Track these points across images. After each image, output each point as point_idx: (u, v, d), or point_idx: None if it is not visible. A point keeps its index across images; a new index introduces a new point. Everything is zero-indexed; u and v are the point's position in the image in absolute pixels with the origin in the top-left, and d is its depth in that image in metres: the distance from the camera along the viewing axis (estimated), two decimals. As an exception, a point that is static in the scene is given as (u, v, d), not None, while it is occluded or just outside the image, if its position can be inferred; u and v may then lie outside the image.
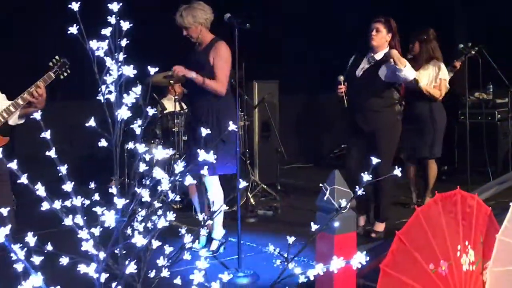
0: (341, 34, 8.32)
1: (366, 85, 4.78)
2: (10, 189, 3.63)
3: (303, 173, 8.45)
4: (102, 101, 1.75)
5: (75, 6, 1.72)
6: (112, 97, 1.77)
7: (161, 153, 1.89)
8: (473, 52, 5.82)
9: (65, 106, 6.86)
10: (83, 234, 1.69)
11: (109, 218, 1.59)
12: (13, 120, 3.72)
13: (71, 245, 1.83)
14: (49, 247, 1.67)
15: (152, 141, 6.26)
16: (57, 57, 3.73)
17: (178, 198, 1.82)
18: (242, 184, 2.11)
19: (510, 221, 2.57)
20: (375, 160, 1.83)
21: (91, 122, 1.75)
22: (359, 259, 1.58)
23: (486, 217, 2.73)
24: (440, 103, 5.89)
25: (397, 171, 1.95)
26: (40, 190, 1.68)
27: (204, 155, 1.83)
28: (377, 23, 4.80)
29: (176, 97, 6.16)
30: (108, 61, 1.73)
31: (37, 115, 1.77)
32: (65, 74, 3.77)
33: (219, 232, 4.61)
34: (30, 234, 1.67)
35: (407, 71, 4.64)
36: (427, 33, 5.65)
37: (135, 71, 1.69)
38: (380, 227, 5.00)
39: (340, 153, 8.93)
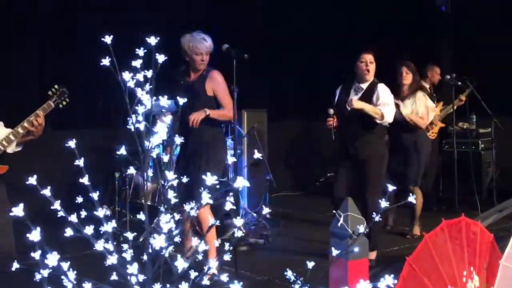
0: (329, 63, 8.48)
1: (356, 116, 4.87)
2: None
3: (291, 201, 8.52)
4: (133, 130, 1.80)
5: (108, 39, 1.78)
6: (142, 127, 1.82)
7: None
8: (459, 83, 5.99)
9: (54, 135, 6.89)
10: (113, 259, 1.73)
11: (159, 242, 1.63)
12: (11, 148, 3.73)
13: (97, 270, 1.86)
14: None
15: (139, 165, 6.28)
16: (56, 86, 3.77)
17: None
18: (239, 221, 2.09)
19: (513, 247, 2.67)
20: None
21: (122, 151, 1.80)
22: (388, 282, 1.64)
23: (489, 244, 2.82)
24: (425, 133, 6.05)
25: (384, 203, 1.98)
26: (72, 217, 1.72)
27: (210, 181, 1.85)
28: (370, 54, 4.93)
29: (168, 125, 6.20)
30: (139, 92, 1.79)
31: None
32: (64, 103, 3.80)
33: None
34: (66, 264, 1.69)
35: (388, 117, 4.79)
36: (414, 64, 5.84)
37: (169, 102, 1.76)
38: (372, 255, 5.05)
39: (327, 181, 9.03)
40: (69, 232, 1.85)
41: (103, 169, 6.63)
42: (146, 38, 1.70)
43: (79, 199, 2.13)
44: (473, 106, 7.20)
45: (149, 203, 6.17)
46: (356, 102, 4.73)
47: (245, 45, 4.67)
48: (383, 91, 4.90)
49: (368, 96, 4.89)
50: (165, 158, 1.90)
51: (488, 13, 8.35)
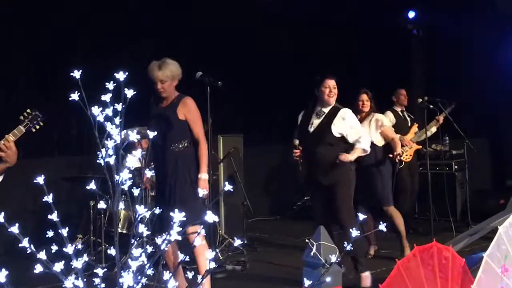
0: (304, 88, 8.55)
1: (319, 140, 4.94)
2: None
3: (268, 226, 8.51)
4: (102, 164, 1.80)
5: (77, 74, 1.79)
6: (112, 160, 1.82)
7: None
8: (431, 106, 6.09)
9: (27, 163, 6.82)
10: (83, 296, 1.71)
11: (128, 280, 1.61)
12: None
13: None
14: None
15: (108, 198, 6.21)
16: (28, 110, 3.69)
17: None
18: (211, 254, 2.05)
19: (484, 272, 2.70)
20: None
21: (92, 185, 1.79)
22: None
23: (460, 268, 2.84)
24: (383, 153, 6.12)
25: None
26: (41, 254, 1.70)
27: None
28: (333, 80, 5.01)
29: (143, 152, 6.18)
30: (109, 126, 1.79)
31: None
32: (37, 127, 3.72)
33: None
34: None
35: (367, 147, 4.95)
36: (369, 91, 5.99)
37: (138, 136, 1.76)
38: (366, 280, 5.01)
39: (304, 205, 9.06)
40: (38, 268, 1.83)
41: (78, 197, 6.56)
42: (115, 74, 1.71)
43: (50, 233, 2.11)
44: (446, 128, 7.33)
45: (124, 231, 6.10)
46: (345, 157, 4.83)
47: (222, 71, 4.71)
48: (353, 120, 4.99)
49: (329, 120, 4.96)
50: (136, 192, 1.89)
51: (460, 37, 8.53)
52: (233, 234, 6.88)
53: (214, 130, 6.64)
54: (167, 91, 4.52)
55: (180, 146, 4.48)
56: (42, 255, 1.72)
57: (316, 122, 5.03)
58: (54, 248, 2.00)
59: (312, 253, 2.60)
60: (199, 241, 4.16)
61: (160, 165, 4.66)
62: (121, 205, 2.16)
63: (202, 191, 4.09)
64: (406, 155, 6.59)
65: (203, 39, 8.06)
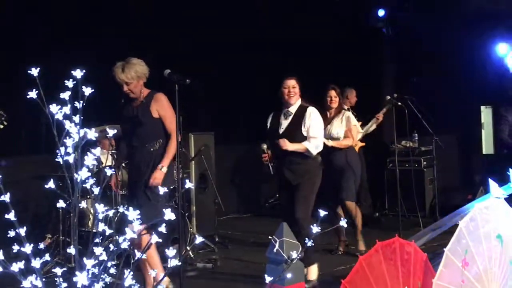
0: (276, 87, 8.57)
1: (288, 139, 4.94)
2: None
3: (240, 223, 8.52)
4: (61, 162, 1.78)
5: (34, 72, 1.77)
6: (71, 159, 1.81)
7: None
8: (399, 103, 6.16)
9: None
10: (41, 295, 1.70)
11: (82, 279, 1.61)
12: None
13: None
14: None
15: (88, 197, 6.16)
16: None
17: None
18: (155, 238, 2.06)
19: (445, 266, 2.74)
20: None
21: (51, 184, 1.78)
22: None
23: (422, 263, 2.89)
24: (355, 151, 6.20)
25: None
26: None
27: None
28: (292, 79, 5.05)
29: (113, 151, 6.13)
30: (68, 124, 1.78)
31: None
32: (1, 126, 3.73)
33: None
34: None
35: (312, 150, 4.94)
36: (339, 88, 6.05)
37: (96, 134, 1.76)
38: (312, 274, 5.02)
39: (275, 202, 9.09)
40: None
41: (47, 196, 6.48)
42: (72, 72, 1.70)
43: (11, 233, 2.09)
44: (415, 124, 7.43)
45: (94, 230, 6.05)
46: (284, 144, 4.84)
47: (194, 69, 4.69)
48: (315, 121, 5.00)
49: (297, 120, 5.00)
50: (96, 190, 1.88)
51: (429, 33, 8.63)
52: (204, 232, 6.88)
53: (184, 128, 6.68)
54: (135, 91, 4.48)
55: (156, 146, 4.46)
56: (15, 267, 1.70)
57: (284, 123, 5.06)
58: (16, 248, 1.98)
59: (275, 250, 2.61)
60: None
61: (134, 164, 4.60)
62: (84, 204, 2.15)
63: (154, 182, 4.11)
64: None
65: (171, 35, 8.02)
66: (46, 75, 1.97)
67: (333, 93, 5.94)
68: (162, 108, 4.49)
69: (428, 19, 8.56)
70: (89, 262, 1.66)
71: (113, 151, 6.08)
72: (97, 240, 2.14)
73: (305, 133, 4.97)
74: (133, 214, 1.63)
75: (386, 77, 9.60)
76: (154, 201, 4.35)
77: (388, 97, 6.17)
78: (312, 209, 4.96)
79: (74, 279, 1.61)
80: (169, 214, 1.67)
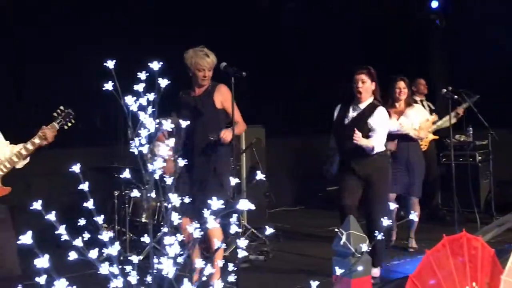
0: (329, 78, 8.52)
1: (352, 133, 4.79)
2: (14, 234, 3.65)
3: (290, 216, 8.52)
4: (136, 153, 1.82)
5: (110, 64, 1.81)
6: (145, 150, 1.84)
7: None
8: (456, 97, 6.02)
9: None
10: (117, 283, 1.73)
11: (167, 267, 1.64)
12: (21, 163, 3.77)
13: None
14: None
15: (143, 188, 6.25)
16: (61, 107, 3.80)
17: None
18: (243, 242, 2.10)
19: (514, 262, 2.68)
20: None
21: (126, 174, 1.82)
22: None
23: (490, 259, 2.83)
24: (418, 147, 6.08)
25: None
26: (77, 241, 1.73)
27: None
28: (361, 74, 4.93)
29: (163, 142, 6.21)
30: (142, 115, 1.81)
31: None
32: (69, 124, 3.83)
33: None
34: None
35: (377, 147, 4.83)
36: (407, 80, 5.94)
37: (172, 125, 1.78)
38: (375, 272, 4.94)
39: (326, 195, 9.04)
40: (73, 255, 1.86)
41: (101, 187, 6.62)
42: (149, 64, 1.72)
43: (82, 222, 2.14)
44: (469, 118, 7.26)
45: (148, 221, 6.15)
46: (357, 136, 4.70)
47: (244, 61, 4.72)
48: (380, 118, 4.90)
49: (363, 116, 4.91)
50: (168, 180, 1.91)
51: (482, 25, 8.42)
52: (256, 224, 6.91)
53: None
54: (208, 79, 4.54)
55: (216, 135, 4.48)
56: (78, 242, 1.75)
57: (351, 115, 4.98)
58: (86, 236, 2.03)
59: (341, 242, 2.60)
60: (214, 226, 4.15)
61: (197, 153, 4.55)
62: (152, 194, 2.18)
63: (225, 137, 4.22)
64: (423, 145, 6.48)
65: (223, 27, 8.05)
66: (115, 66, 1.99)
67: (401, 84, 5.82)
68: (227, 101, 4.52)
69: (483, 8, 8.36)
70: (171, 250, 1.69)
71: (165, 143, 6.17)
72: (165, 229, 2.16)
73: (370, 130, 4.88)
74: (217, 203, 1.64)
75: (438, 69, 9.41)
76: (225, 187, 4.36)
77: (444, 90, 6.02)
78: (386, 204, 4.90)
79: (160, 266, 1.64)
80: (247, 204, 1.68)
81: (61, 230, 1.74)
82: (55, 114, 3.72)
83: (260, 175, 1.81)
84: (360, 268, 2.34)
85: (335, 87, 5.93)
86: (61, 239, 1.86)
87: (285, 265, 5.66)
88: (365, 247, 1.84)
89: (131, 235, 6.04)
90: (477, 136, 8.07)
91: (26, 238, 1.59)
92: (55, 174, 6.59)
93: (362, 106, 4.95)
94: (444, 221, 7.26)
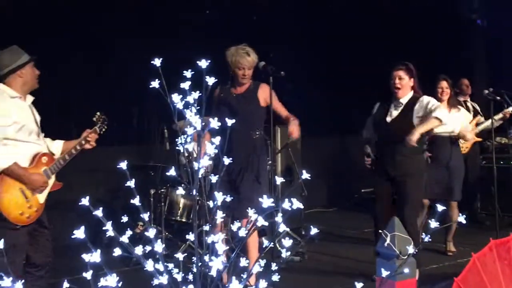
0: (364, 78, 8.45)
1: (396, 130, 4.77)
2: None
3: (325, 217, 8.47)
4: (182, 151, 1.82)
5: (157, 62, 1.81)
6: (190, 147, 1.84)
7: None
8: (498, 98, 5.89)
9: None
10: (162, 279, 1.74)
11: (216, 264, 1.63)
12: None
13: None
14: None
15: (178, 186, 6.27)
16: (98, 113, 3.96)
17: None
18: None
19: None
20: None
21: (172, 172, 1.82)
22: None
23: (538, 264, 2.75)
24: (459, 149, 5.95)
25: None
26: (124, 238, 1.73)
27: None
28: (399, 70, 4.85)
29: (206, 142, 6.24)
30: (188, 113, 1.81)
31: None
32: (104, 129, 3.96)
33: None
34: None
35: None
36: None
37: (219, 123, 1.77)
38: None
39: (361, 197, 8.97)
40: (117, 252, 1.87)
41: (136, 186, 6.68)
42: (197, 62, 1.72)
43: (125, 219, 2.16)
44: (510, 120, 7.09)
45: (184, 219, 6.18)
46: (412, 137, 4.55)
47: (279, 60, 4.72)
48: (429, 99, 4.78)
49: (408, 110, 4.81)
50: (213, 179, 1.91)
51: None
52: (291, 225, 6.87)
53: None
54: (248, 77, 4.56)
55: (257, 133, 4.49)
56: (124, 238, 1.76)
57: (394, 112, 4.89)
58: (129, 232, 2.04)
59: (386, 244, 2.56)
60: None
61: (236, 150, 4.41)
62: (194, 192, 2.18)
63: (294, 134, 4.33)
64: (462, 147, 6.35)
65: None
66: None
67: (444, 84, 5.71)
68: (273, 98, 4.51)
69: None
70: (220, 247, 1.69)
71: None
72: (206, 227, 2.16)
73: (416, 122, 4.75)
74: (267, 201, 1.63)
75: (478, 70, 9.24)
76: (264, 187, 4.41)
77: (486, 91, 5.90)
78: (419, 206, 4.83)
79: (210, 264, 1.64)
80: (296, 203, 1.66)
81: (108, 226, 1.75)
82: (94, 119, 3.89)
83: (306, 175, 1.78)
84: (406, 270, 2.30)
85: (373, 86, 5.85)
86: (106, 235, 1.88)
87: (320, 267, 5.63)
88: (411, 249, 1.80)
89: (167, 233, 6.08)
90: (518, 139, 7.88)
91: (80, 233, 1.60)
92: (92, 171, 6.69)
93: (404, 101, 4.86)
94: (484, 225, 7.10)
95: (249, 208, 1.82)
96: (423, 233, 5.47)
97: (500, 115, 6.33)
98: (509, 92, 6.63)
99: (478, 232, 6.49)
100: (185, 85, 1.84)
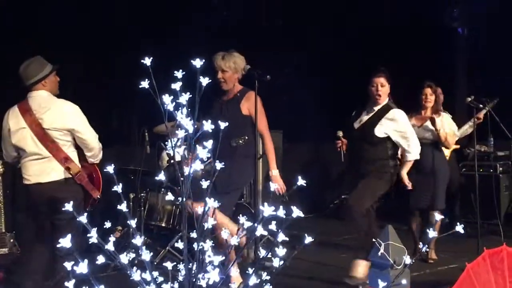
0: (345, 85, 8.44)
1: (362, 136, 4.88)
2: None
3: (305, 224, 8.39)
4: (172, 154, 1.73)
5: (147, 61, 1.73)
6: (181, 151, 1.75)
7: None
8: (481, 105, 5.91)
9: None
10: (149, 290, 1.65)
11: (213, 276, 1.55)
12: None
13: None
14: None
15: (159, 191, 6.16)
16: None
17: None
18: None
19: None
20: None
21: (161, 176, 1.73)
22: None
23: (530, 274, 2.72)
24: (443, 156, 5.94)
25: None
26: (109, 245, 1.64)
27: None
28: (380, 77, 4.87)
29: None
30: (179, 115, 1.72)
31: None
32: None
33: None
34: None
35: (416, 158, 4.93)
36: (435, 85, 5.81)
37: (212, 126, 1.69)
38: (360, 270, 4.66)
39: (340, 203, 8.93)
40: (101, 259, 1.79)
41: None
42: (191, 61, 1.64)
43: (107, 224, 2.07)
44: (491, 129, 7.11)
45: (163, 224, 6.06)
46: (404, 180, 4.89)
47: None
48: (402, 125, 4.87)
49: (377, 118, 4.85)
50: (205, 184, 1.82)
51: (505, 34, 8.31)
52: (273, 231, 6.77)
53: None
54: (228, 82, 4.50)
55: (240, 141, 4.43)
56: (110, 246, 1.66)
57: (364, 118, 4.95)
58: (112, 239, 1.95)
59: (379, 253, 2.50)
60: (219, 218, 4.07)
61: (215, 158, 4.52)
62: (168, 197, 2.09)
63: (274, 186, 4.10)
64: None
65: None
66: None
67: (428, 91, 5.69)
68: (253, 106, 4.43)
69: (504, 19, 8.25)
70: (216, 258, 1.60)
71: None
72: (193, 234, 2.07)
73: (379, 134, 4.82)
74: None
75: (459, 77, 9.31)
76: (232, 194, 4.45)
77: (469, 99, 5.91)
78: (368, 205, 4.79)
79: (207, 276, 1.55)
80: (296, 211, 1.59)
81: (93, 233, 1.66)
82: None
83: (301, 181, 1.71)
84: (404, 281, 2.23)
85: (354, 93, 5.83)
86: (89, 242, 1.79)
87: (302, 274, 5.55)
88: (408, 260, 1.74)
89: (146, 238, 5.96)
90: (498, 147, 7.93)
91: (66, 242, 1.51)
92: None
93: (376, 108, 4.90)
94: (464, 232, 7.09)
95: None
96: (420, 243, 5.48)
97: (471, 123, 6.30)
98: (486, 99, 6.66)
99: (458, 240, 6.47)
100: (176, 86, 1.75)
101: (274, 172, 4.45)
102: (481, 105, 5.91)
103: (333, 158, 7.69)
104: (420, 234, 5.86)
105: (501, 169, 7.77)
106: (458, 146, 6.78)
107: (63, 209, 1.66)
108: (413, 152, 4.88)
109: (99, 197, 4.16)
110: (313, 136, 9.18)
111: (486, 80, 8.94)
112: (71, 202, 1.71)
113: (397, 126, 4.83)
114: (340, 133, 5.08)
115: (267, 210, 1.62)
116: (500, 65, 8.69)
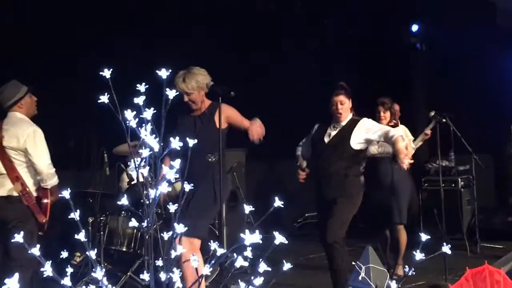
0: (303, 102, 8.38)
1: (334, 151, 4.76)
2: None
3: (269, 243, 8.24)
4: (134, 175, 1.56)
5: (107, 73, 1.56)
6: (145, 172, 1.59)
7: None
8: (444, 120, 5.91)
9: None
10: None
11: None
12: None
13: None
14: None
15: (119, 214, 5.92)
16: None
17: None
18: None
19: (539, 296, 2.50)
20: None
21: (124, 201, 1.56)
22: None
23: (512, 292, 2.64)
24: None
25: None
26: (66, 280, 1.46)
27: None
28: (339, 95, 4.81)
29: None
30: (143, 132, 1.56)
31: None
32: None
33: None
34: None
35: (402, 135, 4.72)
36: (390, 101, 5.78)
37: (181, 143, 1.53)
38: None
39: (303, 222, 8.84)
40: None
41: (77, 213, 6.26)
42: (157, 71, 1.48)
43: (64, 254, 1.89)
44: (450, 143, 7.15)
45: (124, 249, 5.83)
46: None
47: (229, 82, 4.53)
48: (372, 125, 4.83)
49: (346, 131, 4.79)
50: (172, 208, 1.66)
51: (463, 50, 8.42)
52: (236, 252, 6.60)
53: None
54: (196, 102, 4.39)
55: (213, 158, 4.26)
56: (67, 281, 1.48)
57: (332, 133, 4.85)
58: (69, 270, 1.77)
59: (360, 278, 2.37)
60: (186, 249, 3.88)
61: (190, 175, 4.29)
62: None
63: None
64: None
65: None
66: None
67: (381, 108, 5.67)
68: (230, 113, 4.38)
69: (462, 36, 8.35)
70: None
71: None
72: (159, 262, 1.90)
73: (354, 146, 4.74)
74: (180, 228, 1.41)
75: (418, 93, 9.39)
76: (206, 214, 4.24)
77: (432, 113, 5.91)
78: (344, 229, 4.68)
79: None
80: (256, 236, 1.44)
81: (47, 266, 1.47)
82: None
83: (278, 202, 1.58)
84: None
85: (318, 110, 5.76)
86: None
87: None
88: (394, 285, 1.62)
89: (106, 264, 5.70)
90: (459, 162, 7.98)
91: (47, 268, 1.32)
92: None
93: (343, 123, 4.84)
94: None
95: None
96: (406, 266, 5.40)
97: (421, 137, 6.28)
98: (450, 115, 6.69)
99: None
100: (139, 100, 1.59)
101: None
102: (444, 120, 5.90)
103: (286, 177, 7.61)
104: (387, 250, 5.80)
105: (462, 183, 7.82)
106: (412, 161, 6.73)
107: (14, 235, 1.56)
108: (397, 132, 4.72)
109: (44, 221, 4.32)
110: (279, 153, 9.08)
111: (443, 95, 9.03)
112: (21, 233, 1.52)
113: (370, 128, 4.77)
114: (304, 164, 5.01)
115: (249, 238, 1.47)
116: (458, 81, 8.81)
